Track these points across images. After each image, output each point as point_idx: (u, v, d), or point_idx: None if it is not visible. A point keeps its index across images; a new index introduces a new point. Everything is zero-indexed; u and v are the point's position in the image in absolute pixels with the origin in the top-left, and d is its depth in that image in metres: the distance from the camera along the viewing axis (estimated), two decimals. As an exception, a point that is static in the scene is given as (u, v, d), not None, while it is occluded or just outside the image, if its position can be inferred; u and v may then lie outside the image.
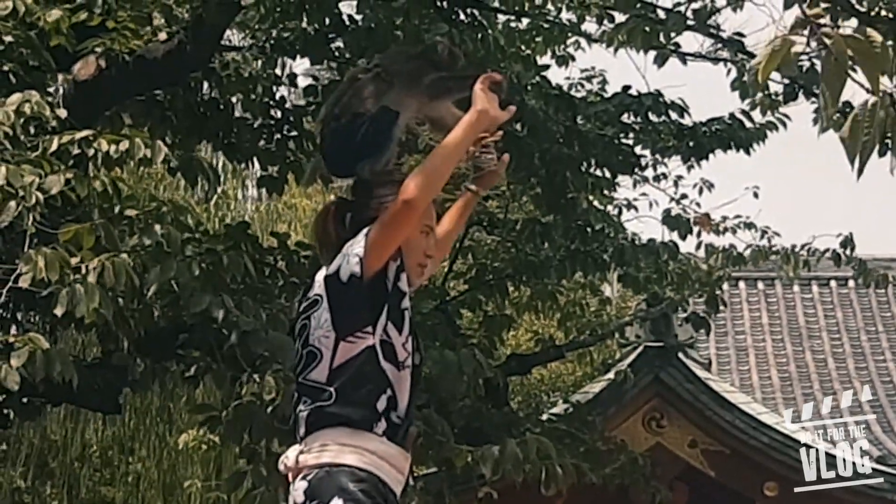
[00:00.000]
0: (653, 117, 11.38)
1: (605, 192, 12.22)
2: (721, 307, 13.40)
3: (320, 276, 3.86)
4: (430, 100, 4.01)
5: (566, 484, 9.29)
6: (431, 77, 4.01)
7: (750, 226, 12.55)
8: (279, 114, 10.85)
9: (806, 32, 2.98)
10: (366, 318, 3.74)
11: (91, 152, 7.22)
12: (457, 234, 4.30)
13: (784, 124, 11.27)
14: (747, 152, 11.42)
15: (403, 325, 3.79)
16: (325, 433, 3.71)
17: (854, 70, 2.98)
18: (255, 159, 10.92)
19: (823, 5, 3.22)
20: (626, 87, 11.55)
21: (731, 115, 11.46)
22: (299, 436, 3.78)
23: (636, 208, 12.53)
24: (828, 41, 2.93)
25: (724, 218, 12.44)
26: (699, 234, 12.27)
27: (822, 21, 3.01)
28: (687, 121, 11.48)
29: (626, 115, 11.53)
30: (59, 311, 6.67)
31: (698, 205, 12.10)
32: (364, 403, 3.71)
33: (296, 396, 3.83)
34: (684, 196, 12.09)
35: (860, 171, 3.07)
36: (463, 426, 10.45)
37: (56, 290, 6.68)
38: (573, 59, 11.92)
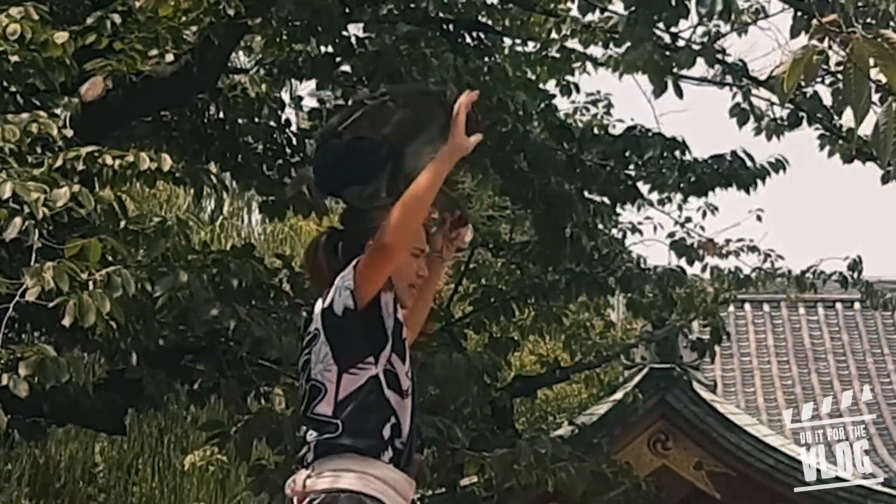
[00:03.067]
0: (654, 152, 11.34)
1: (605, 220, 12.13)
2: (724, 337, 13.29)
3: (318, 309, 3.88)
4: (439, 136, 3.95)
5: (581, 486, 9.31)
6: (440, 116, 3.96)
7: (754, 249, 12.54)
8: (284, 137, 10.87)
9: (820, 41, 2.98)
10: (365, 350, 3.78)
11: (96, 167, 7.25)
12: (430, 296, 4.23)
13: (784, 168, 11.23)
14: (748, 192, 11.34)
15: (405, 355, 3.84)
16: (334, 459, 3.75)
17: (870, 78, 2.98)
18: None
19: (832, 16, 3.22)
20: (631, 128, 11.53)
21: (734, 153, 11.40)
22: (307, 461, 3.81)
23: (641, 231, 12.52)
24: (847, 46, 2.93)
25: (728, 241, 12.43)
26: (703, 258, 12.26)
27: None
28: (689, 156, 11.46)
29: (627, 151, 11.50)
30: (67, 322, 6.60)
31: (703, 228, 12.09)
32: (371, 433, 3.76)
33: (304, 429, 3.86)
34: (689, 219, 12.08)
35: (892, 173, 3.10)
36: (468, 449, 10.42)
37: (63, 303, 6.65)
38: (577, 89, 11.93)
